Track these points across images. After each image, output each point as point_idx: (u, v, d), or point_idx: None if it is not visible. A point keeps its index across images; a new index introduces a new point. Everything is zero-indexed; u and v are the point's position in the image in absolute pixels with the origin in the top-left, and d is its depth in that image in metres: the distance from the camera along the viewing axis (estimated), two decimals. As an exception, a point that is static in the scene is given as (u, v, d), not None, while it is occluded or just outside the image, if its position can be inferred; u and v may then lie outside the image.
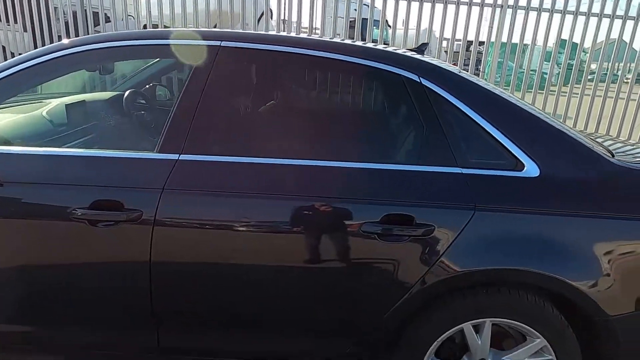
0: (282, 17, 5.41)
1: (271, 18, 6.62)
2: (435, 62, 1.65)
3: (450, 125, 1.47)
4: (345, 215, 1.41)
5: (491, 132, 1.47)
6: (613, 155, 1.61)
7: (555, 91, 5.31)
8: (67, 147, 1.70)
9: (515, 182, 1.44)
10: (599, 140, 1.92)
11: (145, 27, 6.51)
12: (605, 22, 4.84)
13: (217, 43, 1.53)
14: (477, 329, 1.49)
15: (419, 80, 1.50)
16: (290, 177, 1.43)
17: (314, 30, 5.80)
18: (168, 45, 1.59)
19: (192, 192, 1.43)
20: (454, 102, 1.48)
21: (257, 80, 1.74)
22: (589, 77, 5.01)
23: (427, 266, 1.40)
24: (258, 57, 1.58)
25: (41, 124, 1.97)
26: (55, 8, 6.41)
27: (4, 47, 6.72)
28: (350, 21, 6.69)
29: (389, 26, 7.24)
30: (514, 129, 1.49)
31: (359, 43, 1.72)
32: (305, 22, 5.18)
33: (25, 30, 6.57)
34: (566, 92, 4.90)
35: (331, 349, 1.53)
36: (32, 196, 1.46)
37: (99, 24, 6.38)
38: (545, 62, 6.38)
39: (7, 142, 1.64)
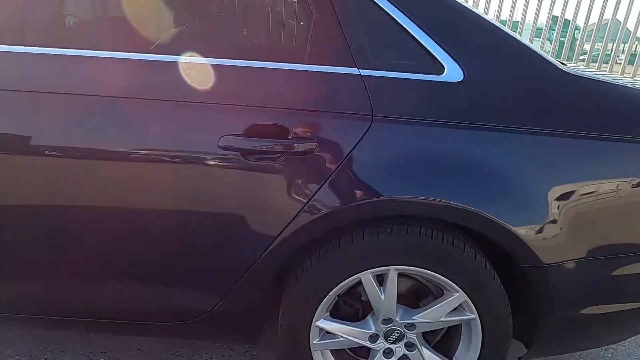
0: None
1: None
2: None
3: (348, 13, 1.11)
4: (197, 125, 1.06)
5: (403, 24, 1.11)
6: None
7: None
8: None
9: (430, 88, 1.09)
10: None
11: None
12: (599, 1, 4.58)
13: None
14: (381, 280, 1.16)
15: (310, -46, 1.12)
16: (120, 72, 1.06)
17: None
18: None
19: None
20: (357, -14, 1.12)
21: None
22: (580, 58, 4.74)
23: (307, 196, 1.06)
24: None
25: None
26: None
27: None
28: None
29: None
30: (433, 21, 1.13)
31: None
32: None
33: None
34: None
35: (206, 302, 1.19)
36: None
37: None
38: (535, 39, 6.04)
39: None
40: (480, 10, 1.43)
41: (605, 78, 1.28)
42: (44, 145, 1.06)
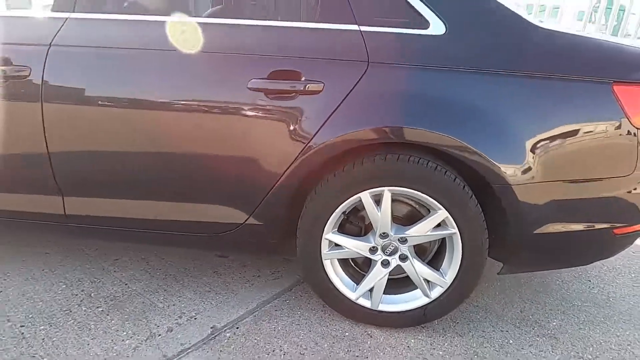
0: None
1: None
2: None
3: (350, -21, 1.36)
4: (238, 71, 1.35)
5: (395, -13, 1.35)
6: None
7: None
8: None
9: (417, 40, 1.33)
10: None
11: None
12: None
13: None
14: (378, 200, 1.42)
15: None
16: (175, 32, 1.37)
17: None
18: None
19: (80, 49, 1.39)
20: (357, -45, 1.37)
21: None
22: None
23: (317, 126, 1.33)
24: None
25: None
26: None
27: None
28: None
29: None
30: (421, -16, 1.36)
31: None
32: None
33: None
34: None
35: (236, 216, 1.50)
36: None
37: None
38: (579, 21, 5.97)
39: None
40: None
41: (576, 32, 1.48)
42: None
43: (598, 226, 1.44)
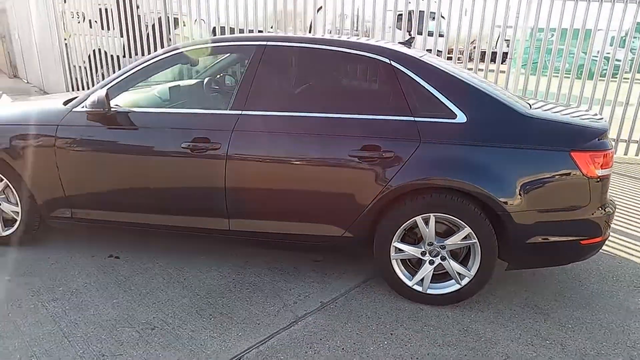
0: (339, 12, 6.25)
1: (319, 9, 7.54)
2: (403, 50, 2.47)
3: (409, 91, 2.31)
4: (342, 145, 2.30)
5: (435, 95, 2.29)
6: (530, 108, 2.37)
7: (629, 78, 5.61)
8: (176, 109, 2.72)
9: (448, 125, 2.25)
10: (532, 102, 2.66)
11: (214, 29, 7.74)
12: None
13: (264, 43, 2.48)
14: (426, 221, 2.31)
15: (390, 63, 2.35)
16: (312, 124, 2.34)
17: (364, 24, 6.62)
18: (235, 45, 2.57)
19: (249, 132, 2.39)
20: (412, 76, 2.32)
21: (287, 65, 2.65)
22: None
23: (391, 177, 2.25)
24: (289, 52, 2.51)
25: (155, 98, 3.04)
26: (139, 16, 7.80)
27: (102, 50, 8.23)
28: (398, 14, 7.44)
29: (443, 17, 7.95)
30: (451, 91, 2.29)
31: (352, 39, 2.58)
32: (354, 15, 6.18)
33: (120, 35, 8.03)
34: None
35: (337, 231, 2.42)
36: (156, 135, 2.49)
37: (177, 27, 7.68)
38: (610, 47, 6.58)
39: (139, 106, 2.70)
40: (478, 77, 2.58)
41: (545, 113, 2.35)
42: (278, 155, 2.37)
43: (570, 238, 2.26)
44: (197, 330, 2.17)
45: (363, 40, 2.53)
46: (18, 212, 2.82)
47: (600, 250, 2.62)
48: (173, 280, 2.60)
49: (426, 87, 2.30)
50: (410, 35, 3.14)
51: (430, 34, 6.66)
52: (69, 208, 2.72)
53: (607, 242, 2.75)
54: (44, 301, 2.36)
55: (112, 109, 2.54)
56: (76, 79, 8.55)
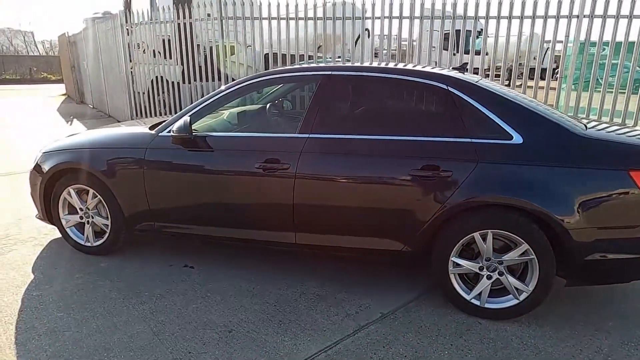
0: (383, 33, 6.51)
1: (368, 37, 7.83)
2: (459, 76, 2.64)
3: (466, 114, 2.47)
4: (403, 165, 2.47)
5: (491, 117, 2.43)
6: (586, 128, 2.47)
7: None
8: (250, 133, 3.00)
9: (505, 146, 2.38)
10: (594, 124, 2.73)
11: (266, 55, 8.20)
12: None
13: (329, 73, 2.74)
14: (484, 237, 2.42)
15: (447, 88, 2.52)
16: (375, 145, 2.55)
17: (412, 43, 6.83)
18: (304, 75, 2.85)
19: (316, 153, 2.62)
20: (469, 100, 2.48)
21: (350, 92, 2.89)
22: None
23: (449, 195, 2.40)
24: (354, 80, 2.75)
25: (226, 122, 3.35)
26: (198, 45, 8.39)
27: (163, 78, 8.89)
28: (444, 33, 7.61)
29: (487, 36, 8.04)
30: (507, 114, 2.43)
31: (413, 66, 2.77)
32: (401, 35, 6.44)
33: (177, 63, 8.66)
34: None
35: (397, 245, 2.58)
36: (231, 157, 2.77)
37: (232, 54, 8.20)
38: None
39: (213, 130, 3.01)
40: (534, 102, 2.69)
41: (600, 133, 2.43)
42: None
43: (630, 256, 2.31)
44: (269, 334, 2.38)
45: (420, 67, 2.72)
46: (108, 225, 3.17)
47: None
48: (243, 289, 2.83)
49: (482, 110, 2.45)
50: (464, 63, 3.31)
51: (478, 52, 6.74)
52: (152, 221, 3.04)
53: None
54: (133, 304, 2.66)
55: (194, 133, 2.85)
56: (139, 104, 9.25)
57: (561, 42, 5.79)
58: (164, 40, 8.81)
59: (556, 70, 5.96)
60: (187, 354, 2.22)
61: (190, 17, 8.11)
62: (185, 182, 2.89)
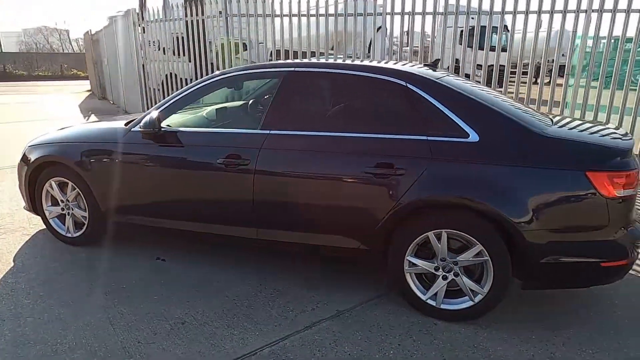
0: (404, 29, 6.48)
1: (386, 35, 7.75)
2: (419, 72, 2.59)
3: (423, 112, 2.43)
4: (358, 162, 2.45)
5: (448, 115, 2.38)
6: (552, 126, 2.39)
7: None
8: (216, 129, 3.04)
9: (460, 144, 2.32)
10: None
11: (271, 53, 8.23)
12: None
13: (291, 69, 2.73)
14: (439, 237, 2.38)
15: (405, 85, 2.48)
16: (329, 142, 2.53)
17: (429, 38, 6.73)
18: (268, 71, 2.85)
19: (274, 150, 2.63)
20: (427, 98, 2.43)
21: (311, 89, 2.86)
22: None
23: (402, 193, 2.36)
24: (313, 76, 2.74)
25: (203, 118, 3.40)
26: (210, 42, 8.50)
27: (175, 75, 9.07)
28: (469, 28, 7.46)
29: (507, 31, 7.86)
30: (465, 112, 2.37)
31: (372, 62, 2.75)
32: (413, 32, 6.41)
33: (189, 60, 8.81)
34: None
35: (354, 243, 2.56)
36: (198, 152, 2.82)
37: (245, 50, 8.29)
38: None
39: (186, 126, 3.06)
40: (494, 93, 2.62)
41: (562, 132, 2.33)
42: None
43: (588, 260, 2.22)
44: (220, 327, 2.41)
45: (381, 63, 2.69)
46: (86, 217, 3.28)
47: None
48: (208, 283, 2.88)
49: (439, 108, 2.40)
50: (436, 59, 3.24)
51: (493, 48, 6.57)
52: (126, 215, 3.12)
53: None
54: (99, 294, 2.74)
55: (162, 129, 2.91)
56: (152, 100, 9.47)
57: (591, 38, 5.48)
58: (176, 38, 9.00)
59: (586, 68, 5.66)
60: (136, 343, 2.28)
61: (202, 14, 8.23)
62: (154, 177, 2.95)
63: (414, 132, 2.41)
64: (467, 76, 6.57)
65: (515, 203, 2.21)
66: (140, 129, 2.93)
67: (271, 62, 2.97)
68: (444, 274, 2.43)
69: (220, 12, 8.20)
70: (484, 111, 2.38)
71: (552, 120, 2.56)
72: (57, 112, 11.69)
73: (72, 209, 3.33)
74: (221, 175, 2.74)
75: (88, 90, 18.36)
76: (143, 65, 9.84)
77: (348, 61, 2.85)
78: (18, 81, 24.48)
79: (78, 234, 3.36)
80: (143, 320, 2.48)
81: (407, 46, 7.49)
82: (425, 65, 3.02)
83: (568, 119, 2.78)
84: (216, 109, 3.56)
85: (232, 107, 3.72)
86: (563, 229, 2.20)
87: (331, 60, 2.93)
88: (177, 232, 3.03)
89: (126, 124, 3.17)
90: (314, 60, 2.93)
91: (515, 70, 6.05)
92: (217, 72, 2.98)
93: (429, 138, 2.37)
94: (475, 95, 2.49)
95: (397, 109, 2.54)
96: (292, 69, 2.75)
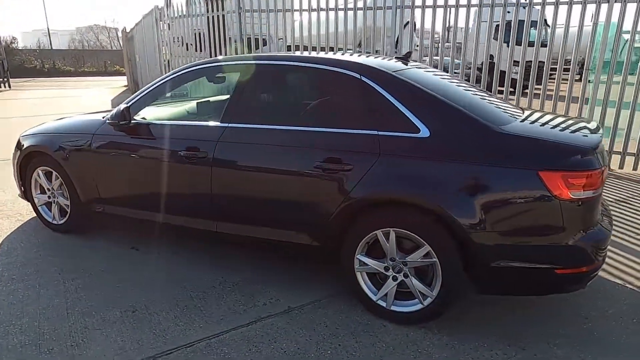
0: (447, 25, 6.32)
1: (414, 29, 7.57)
2: (376, 64, 2.48)
3: (375, 105, 2.33)
4: (308, 157, 2.39)
5: (400, 109, 2.27)
6: (517, 121, 2.24)
7: None
8: (181, 121, 3.06)
9: (409, 140, 2.21)
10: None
11: (289, 47, 8.24)
12: None
13: (249, 62, 2.71)
14: (387, 236, 2.28)
15: (359, 78, 2.39)
16: (283, 135, 2.49)
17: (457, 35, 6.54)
18: (233, 64, 2.83)
19: (230, 143, 2.61)
20: (380, 91, 2.34)
21: (267, 82, 2.80)
22: None
23: (350, 189, 2.29)
24: (272, 70, 2.70)
25: (183, 112, 3.44)
26: (230, 38, 8.62)
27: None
28: (495, 25, 7.17)
29: (548, 26, 7.50)
30: (418, 107, 2.25)
31: (328, 54, 2.67)
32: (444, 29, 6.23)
33: (210, 56, 8.98)
34: None
35: (306, 239, 2.51)
36: (163, 144, 2.85)
37: (264, 45, 8.35)
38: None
39: (159, 119, 3.10)
40: (450, 84, 2.48)
41: (521, 127, 2.17)
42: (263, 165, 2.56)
43: (540, 266, 2.06)
44: (167, 318, 2.43)
45: (337, 55, 2.61)
46: (68, 205, 3.41)
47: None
48: (170, 274, 2.91)
49: (392, 102, 2.30)
50: (408, 52, 3.10)
51: (531, 44, 6.25)
52: (101, 204, 3.22)
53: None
54: (66, 279, 2.84)
55: (133, 121, 2.97)
56: (173, 95, 9.73)
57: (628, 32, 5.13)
58: (198, 34, 9.18)
59: (638, 64, 5.30)
60: (83, 329, 2.34)
61: (222, 10, 8.34)
62: (124, 168, 3.02)
63: (365, 126, 2.32)
64: (503, 73, 6.25)
65: (464, 202, 2.08)
66: (108, 121, 3.00)
67: (233, 56, 2.95)
68: (393, 274, 2.33)
69: (239, 8, 8.28)
70: (438, 106, 2.25)
71: (521, 116, 2.39)
72: (90, 105, 12.25)
73: (57, 197, 3.47)
74: (183, 167, 2.76)
75: (125, 86, 19.13)
76: (168, 61, 10.13)
77: (304, 53, 2.78)
78: (65, 77, 25.94)
79: (62, 221, 3.49)
80: (98, 307, 2.54)
81: (449, 42, 7.23)
82: (397, 58, 2.91)
83: (540, 114, 2.59)
84: (197, 103, 3.60)
85: (213, 101, 3.74)
86: (513, 232, 2.05)
87: (290, 53, 2.87)
88: (147, 222, 3.09)
89: (103, 117, 3.26)
90: (282, 54, 2.88)
91: (555, 66, 5.71)
92: (183, 66, 3.00)
93: (379, 133, 2.28)
94: (436, 89, 2.36)
95: (351, 102, 2.45)
96: (250, 62, 2.72)
